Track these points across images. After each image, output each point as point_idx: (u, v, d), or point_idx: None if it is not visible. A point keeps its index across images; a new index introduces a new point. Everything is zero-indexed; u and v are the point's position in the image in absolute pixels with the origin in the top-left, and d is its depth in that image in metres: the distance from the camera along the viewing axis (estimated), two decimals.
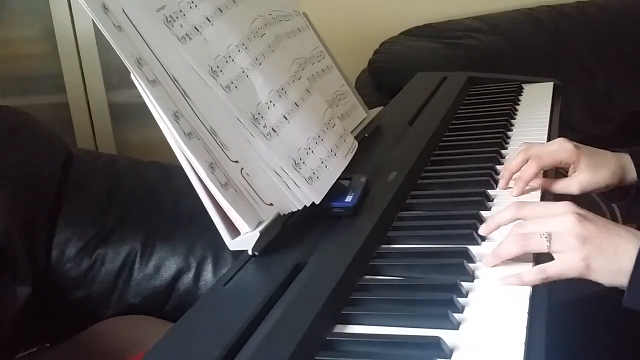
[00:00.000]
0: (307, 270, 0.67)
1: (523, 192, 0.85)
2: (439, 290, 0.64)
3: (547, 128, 1.07)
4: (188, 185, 0.69)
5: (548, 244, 0.64)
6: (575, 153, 0.85)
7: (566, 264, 0.64)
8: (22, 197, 1.08)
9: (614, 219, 1.39)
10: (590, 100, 1.79)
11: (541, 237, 0.64)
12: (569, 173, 0.87)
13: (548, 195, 0.86)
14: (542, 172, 0.87)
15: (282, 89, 0.82)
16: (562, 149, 0.86)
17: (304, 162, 0.78)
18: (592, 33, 1.83)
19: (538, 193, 0.86)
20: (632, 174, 0.86)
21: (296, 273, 0.67)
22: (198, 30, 0.76)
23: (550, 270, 0.64)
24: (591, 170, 0.85)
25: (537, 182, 0.86)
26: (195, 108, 0.71)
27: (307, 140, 0.81)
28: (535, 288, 0.64)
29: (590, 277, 0.63)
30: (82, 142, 1.83)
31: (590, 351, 0.82)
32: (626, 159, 0.86)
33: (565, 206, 0.66)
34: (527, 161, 0.86)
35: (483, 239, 0.74)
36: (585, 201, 1.39)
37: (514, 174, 0.86)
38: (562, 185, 0.86)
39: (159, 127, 0.68)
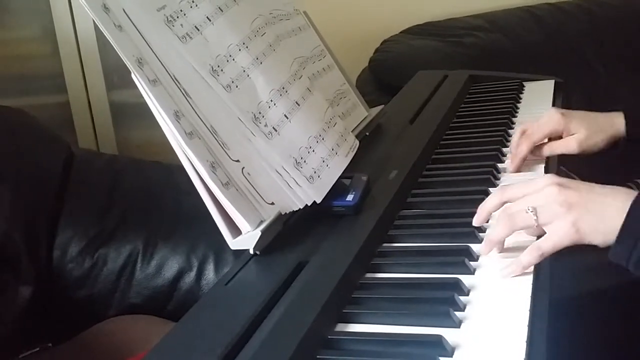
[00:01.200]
0: (308, 269, 0.67)
1: (520, 168, 0.91)
2: (441, 289, 0.64)
3: None
4: (189, 185, 0.69)
5: (535, 217, 0.64)
6: (562, 120, 0.92)
7: (557, 233, 0.64)
8: (24, 197, 1.08)
9: None
10: (591, 97, 1.78)
11: (527, 212, 0.65)
12: (564, 137, 0.93)
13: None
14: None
15: (283, 88, 0.82)
16: (549, 120, 0.93)
17: (305, 161, 0.78)
18: (593, 30, 1.83)
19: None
20: (623, 127, 0.91)
21: (298, 272, 0.66)
22: (199, 30, 0.76)
23: (544, 245, 0.64)
24: (585, 129, 0.91)
25: (537, 152, 0.91)
26: (196, 107, 0.71)
27: (308, 139, 0.81)
28: (536, 284, 0.64)
29: (583, 241, 0.63)
30: (83, 142, 1.82)
31: (592, 348, 0.82)
32: (618, 117, 0.91)
33: (546, 179, 0.67)
34: (523, 132, 0.93)
35: (482, 230, 0.74)
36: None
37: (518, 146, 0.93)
38: (561, 145, 0.92)
39: (160, 127, 0.68)
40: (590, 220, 0.63)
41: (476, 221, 0.73)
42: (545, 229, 0.65)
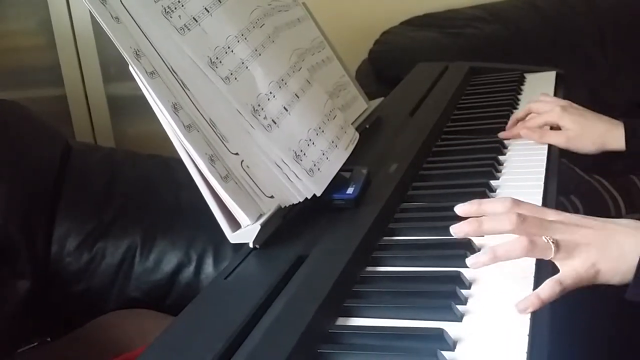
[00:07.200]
0: (308, 263, 0.66)
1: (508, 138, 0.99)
2: (442, 282, 0.64)
3: None
4: (188, 178, 0.68)
5: (555, 250, 0.61)
6: (559, 113, 0.95)
7: (577, 271, 0.61)
8: (20, 191, 1.07)
9: (617, 208, 1.39)
10: (592, 89, 1.77)
11: (547, 242, 0.61)
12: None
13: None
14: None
15: (282, 80, 0.81)
16: (550, 109, 0.96)
17: (304, 154, 0.78)
18: (594, 21, 1.81)
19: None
20: (617, 141, 0.91)
21: (298, 266, 0.66)
22: (197, 21, 0.75)
23: (566, 281, 0.60)
24: (578, 128, 0.93)
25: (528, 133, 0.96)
26: (195, 100, 0.71)
27: (307, 131, 0.80)
28: (538, 277, 0.63)
29: (600, 281, 0.61)
30: (80, 135, 1.82)
31: (595, 342, 0.82)
32: (616, 126, 0.92)
33: (556, 214, 0.64)
34: (529, 112, 0.99)
35: None
36: (587, 191, 1.39)
37: (518, 121, 1.00)
38: (551, 137, 0.95)
39: (158, 120, 0.67)
40: (608, 262, 0.61)
41: (463, 212, 0.67)
42: (557, 263, 0.62)
